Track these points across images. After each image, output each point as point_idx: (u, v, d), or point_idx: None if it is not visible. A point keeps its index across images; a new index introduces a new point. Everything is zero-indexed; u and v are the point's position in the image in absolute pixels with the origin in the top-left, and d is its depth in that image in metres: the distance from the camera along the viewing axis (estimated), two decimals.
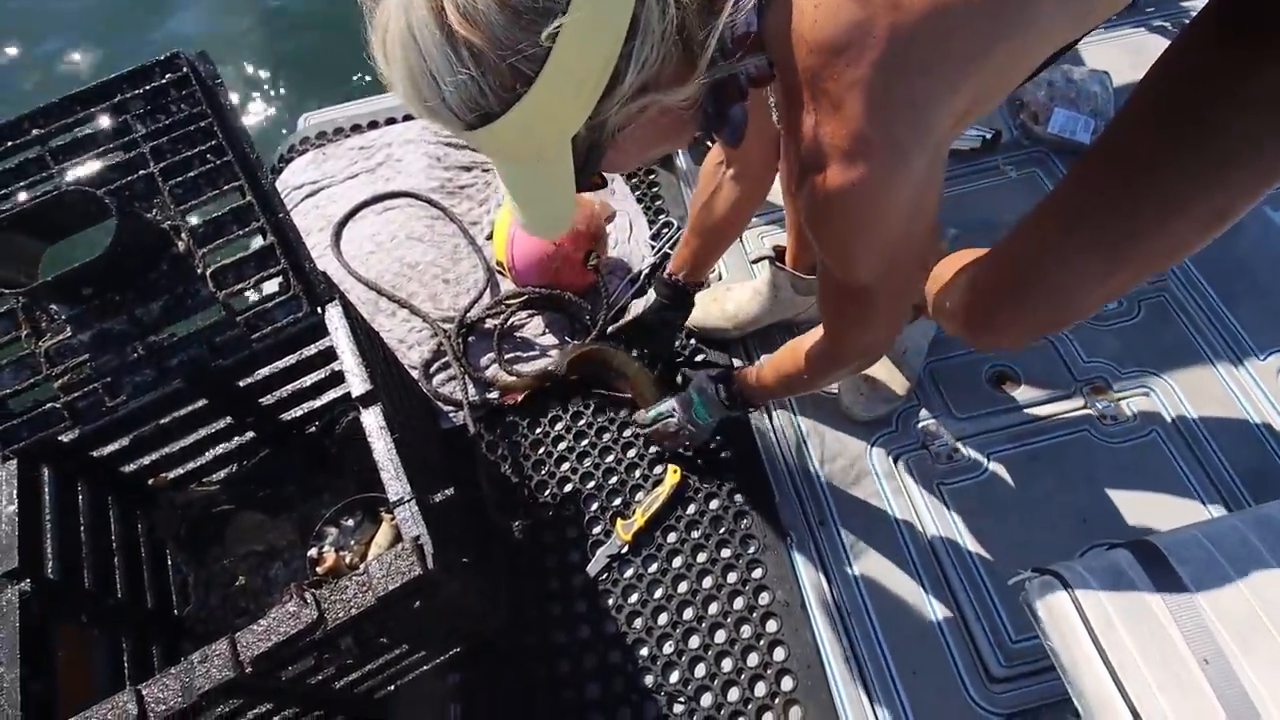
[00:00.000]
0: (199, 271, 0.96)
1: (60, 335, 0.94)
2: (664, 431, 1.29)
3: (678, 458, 1.34)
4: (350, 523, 1.06)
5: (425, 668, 1.07)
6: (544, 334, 1.49)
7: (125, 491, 1.12)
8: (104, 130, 1.02)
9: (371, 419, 0.89)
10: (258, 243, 1.00)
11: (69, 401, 0.92)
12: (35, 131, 1.01)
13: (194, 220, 0.99)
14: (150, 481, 1.14)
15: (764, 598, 1.21)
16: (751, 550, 1.26)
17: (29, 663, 0.81)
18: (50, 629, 0.87)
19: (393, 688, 1.06)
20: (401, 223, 1.64)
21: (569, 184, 0.65)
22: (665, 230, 1.61)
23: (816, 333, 0.96)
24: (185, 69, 1.02)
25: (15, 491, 0.91)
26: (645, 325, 1.40)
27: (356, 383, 0.91)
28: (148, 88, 1.03)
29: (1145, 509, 1.24)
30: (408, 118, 1.85)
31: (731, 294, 1.43)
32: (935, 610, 1.19)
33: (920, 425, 1.36)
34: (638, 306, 1.50)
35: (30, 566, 0.88)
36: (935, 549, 1.24)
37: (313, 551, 1.03)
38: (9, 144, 1.00)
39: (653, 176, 1.76)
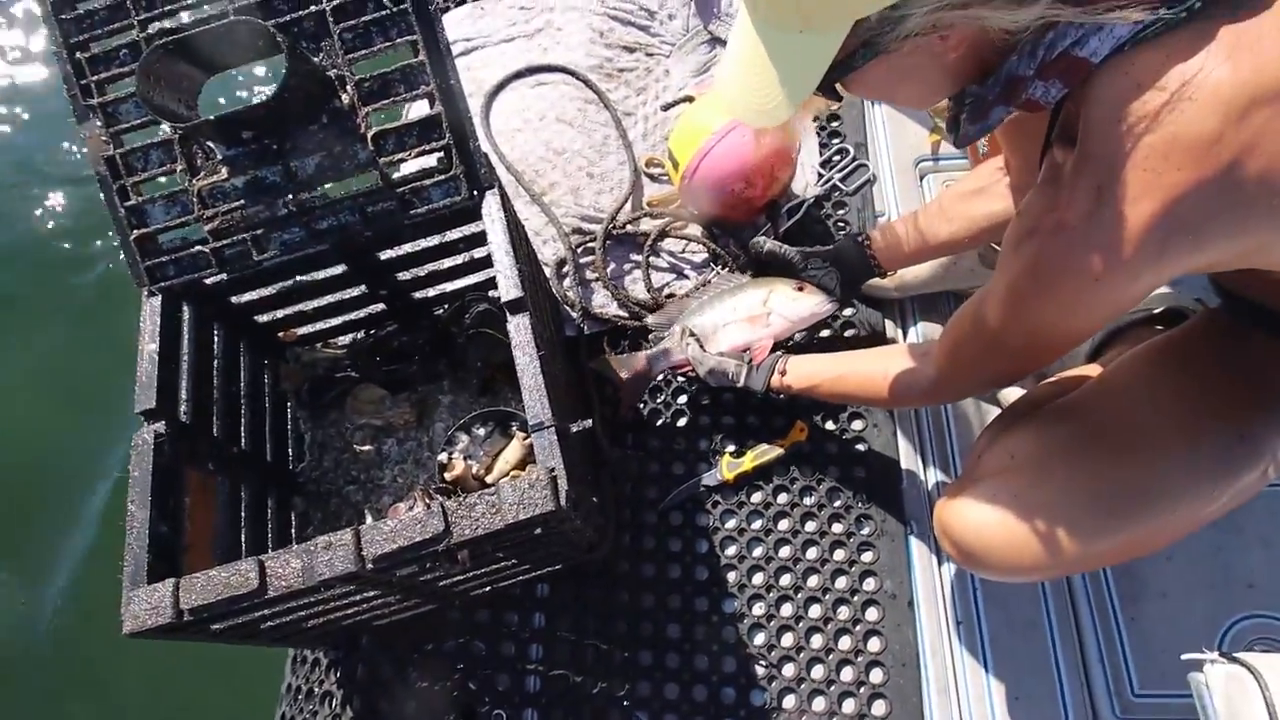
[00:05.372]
0: (361, 131, 0.88)
1: (215, 176, 0.89)
2: (707, 370, 1.16)
3: (803, 414, 1.24)
4: (481, 432, 1.03)
5: (521, 579, 1.06)
6: (684, 252, 1.38)
7: (257, 341, 1.11)
8: None
9: (518, 329, 0.83)
10: (421, 109, 0.91)
11: (218, 248, 0.89)
12: None
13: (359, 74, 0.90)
14: (280, 335, 1.13)
15: (869, 584, 1.14)
16: (865, 531, 1.17)
17: (158, 505, 0.82)
18: (180, 472, 0.87)
19: (488, 589, 1.06)
20: (553, 101, 1.51)
21: (814, 75, 0.59)
22: (837, 158, 1.43)
23: (903, 353, 0.93)
24: None
25: (158, 329, 0.90)
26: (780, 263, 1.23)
27: (508, 286, 0.84)
28: None
29: None
30: None
31: None
32: (1055, 638, 1.09)
33: None
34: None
35: (166, 407, 0.88)
36: (1070, 574, 1.12)
37: (442, 456, 1.00)
38: None
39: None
